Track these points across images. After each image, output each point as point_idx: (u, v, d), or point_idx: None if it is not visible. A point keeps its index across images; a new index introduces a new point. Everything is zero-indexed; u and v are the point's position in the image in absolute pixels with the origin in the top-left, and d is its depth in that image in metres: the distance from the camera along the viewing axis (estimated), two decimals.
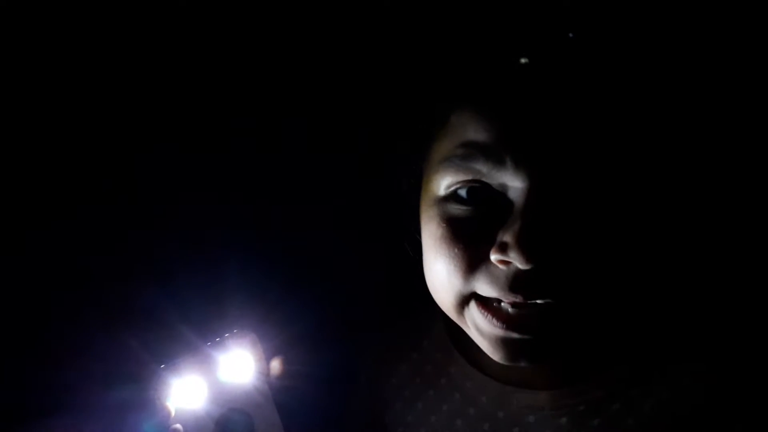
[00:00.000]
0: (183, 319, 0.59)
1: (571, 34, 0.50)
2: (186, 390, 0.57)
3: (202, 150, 0.68)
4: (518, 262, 0.47)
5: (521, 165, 0.48)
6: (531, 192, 0.48)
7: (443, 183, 0.53)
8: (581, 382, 0.59)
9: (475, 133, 0.50)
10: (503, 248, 0.48)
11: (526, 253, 0.47)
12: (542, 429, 0.59)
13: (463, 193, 0.52)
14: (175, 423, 0.55)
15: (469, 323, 0.55)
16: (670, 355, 0.58)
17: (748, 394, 0.54)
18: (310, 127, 0.71)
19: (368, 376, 0.72)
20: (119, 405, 0.52)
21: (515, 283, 0.49)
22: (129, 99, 0.68)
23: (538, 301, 0.50)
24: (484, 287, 0.51)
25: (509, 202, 0.50)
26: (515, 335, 0.51)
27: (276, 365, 0.63)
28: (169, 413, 0.54)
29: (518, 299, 0.50)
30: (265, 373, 0.62)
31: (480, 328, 0.53)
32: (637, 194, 0.51)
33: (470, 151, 0.50)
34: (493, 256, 0.49)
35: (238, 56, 0.70)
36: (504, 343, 0.52)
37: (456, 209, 0.52)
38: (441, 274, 0.53)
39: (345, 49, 0.70)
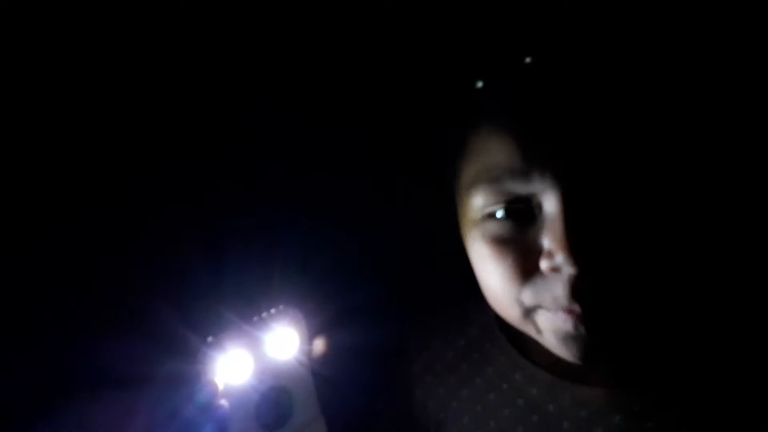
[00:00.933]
0: (230, 295, 0.59)
1: (528, 59, 0.51)
2: (232, 365, 0.57)
3: (260, 122, 0.66)
4: (567, 265, 0.48)
5: (548, 177, 0.49)
6: (564, 200, 0.49)
7: (477, 206, 0.54)
8: (639, 383, 0.58)
9: (498, 153, 0.51)
10: (551, 256, 0.49)
11: (572, 256, 0.48)
12: (594, 426, 0.58)
13: (499, 212, 0.53)
14: (221, 398, 0.55)
15: (541, 326, 0.55)
16: (723, 362, 0.57)
17: None
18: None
19: (412, 359, 0.71)
20: (168, 379, 0.52)
21: (573, 289, 0.50)
22: (144, 90, 0.66)
23: (600, 306, 0.50)
24: (547, 300, 0.52)
25: (546, 212, 0.51)
26: (585, 333, 0.51)
27: (319, 343, 0.63)
28: (216, 388, 0.54)
29: (577, 309, 0.50)
30: (308, 351, 0.62)
31: (553, 329, 0.53)
32: (663, 189, 0.51)
33: (496, 174, 0.52)
34: (543, 265, 0.50)
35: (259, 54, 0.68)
36: (576, 342, 0.52)
37: (496, 227, 0.53)
38: (498, 292, 0.55)
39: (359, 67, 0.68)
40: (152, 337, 0.54)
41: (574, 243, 0.48)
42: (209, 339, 0.56)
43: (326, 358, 0.63)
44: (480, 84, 0.53)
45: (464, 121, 0.54)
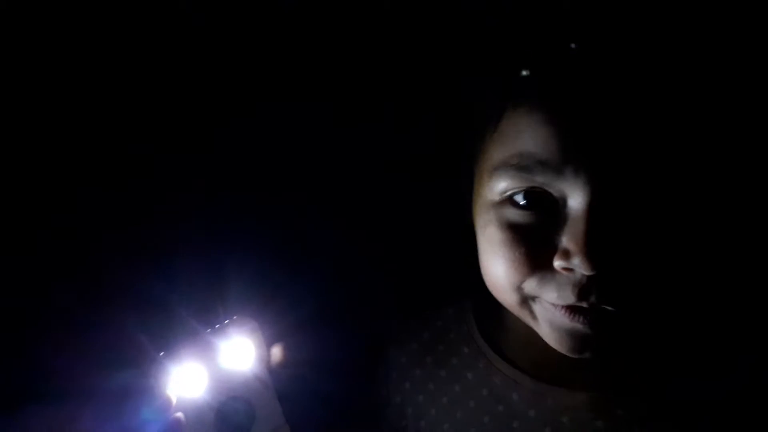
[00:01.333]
0: (183, 306, 0.58)
1: (573, 46, 0.49)
2: (186, 377, 0.57)
3: (204, 138, 0.67)
4: (583, 270, 0.47)
5: (581, 175, 0.47)
6: (592, 200, 0.47)
7: (498, 188, 0.52)
8: (623, 388, 0.57)
9: (531, 142, 0.49)
10: (566, 255, 0.48)
11: (590, 261, 0.47)
12: (577, 431, 0.57)
13: (519, 198, 0.51)
14: (176, 411, 0.54)
15: (537, 314, 0.54)
16: (715, 373, 0.57)
17: None
18: (331, 111, 0.70)
19: (389, 364, 0.70)
20: (118, 392, 0.51)
21: (582, 290, 0.49)
22: (135, 85, 0.67)
23: (605, 307, 0.50)
24: (551, 294, 0.51)
25: (569, 209, 0.49)
26: (583, 328, 0.51)
27: (276, 352, 0.62)
28: (169, 401, 0.53)
29: (585, 305, 0.49)
30: (266, 361, 0.62)
31: (549, 320, 0.53)
32: (694, 198, 0.50)
33: (526, 161, 0.49)
34: (557, 263, 0.49)
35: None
36: (572, 335, 0.52)
37: (513, 214, 0.52)
38: (501, 278, 0.53)
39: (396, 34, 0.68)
40: (104, 349, 0.53)
41: (595, 248, 0.47)
42: (161, 353, 0.56)
43: (283, 367, 0.62)
44: (525, 72, 0.51)
45: (502, 102, 0.52)
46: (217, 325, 0.60)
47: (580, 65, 0.48)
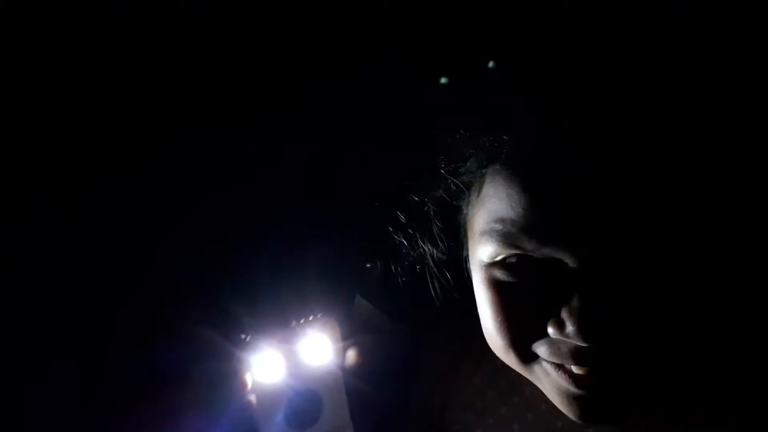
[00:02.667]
0: (266, 301, 0.63)
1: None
2: (264, 365, 0.61)
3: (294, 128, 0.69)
4: (578, 342, 0.46)
5: (569, 244, 0.45)
6: (585, 270, 0.45)
7: (487, 253, 0.50)
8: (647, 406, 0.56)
9: (510, 208, 0.47)
10: (561, 326, 0.47)
11: (585, 335, 0.45)
12: None
13: (511, 260, 0.49)
14: (251, 394, 0.59)
15: (540, 376, 0.53)
16: (720, 400, 0.54)
17: None
18: None
19: (442, 379, 0.72)
20: (205, 377, 0.56)
21: (579, 355, 0.47)
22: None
23: (604, 370, 0.48)
24: (547, 355, 0.50)
25: (562, 275, 0.47)
26: (586, 394, 0.49)
27: (351, 353, 0.65)
28: (245, 384, 0.58)
29: (583, 372, 0.48)
30: (341, 359, 0.65)
31: (553, 384, 0.52)
32: (691, 252, 0.47)
33: (509, 228, 0.47)
34: (551, 331, 0.48)
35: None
36: (576, 401, 0.51)
37: (504, 276, 0.50)
38: (494, 338, 0.53)
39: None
40: (190, 339, 0.58)
41: (590, 320, 0.45)
42: (244, 336, 0.61)
43: (358, 367, 0.65)
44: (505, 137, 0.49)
45: (482, 167, 0.51)
46: (301, 320, 0.64)
47: (557, 135, 0.46)
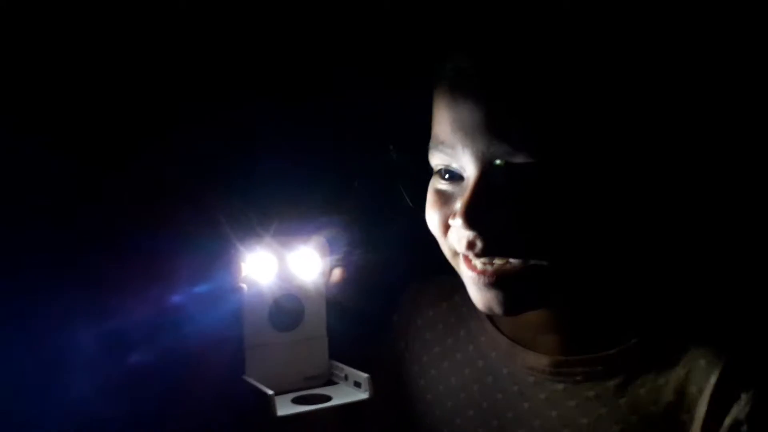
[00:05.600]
0: (274, 207, 0.70)
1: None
2: (258, 265, 0.68)
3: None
4: (461, 228, 0.57)
5: (467, 153, 0.58)
6: (476, 174, 0.58)
7: (432, 163, 0.64)
8: (585, 355, 0.64)
9: (438, 126, 0.61)
10: (455, 215, 0.59)
11: (466, 223, 0.57)
12: (539, 391, 0.65)
13: (442, 171, 0.63)
14: (243, 282, 0.65)
15: (462, 271, 0.63)
16: (675, 342, 0.62)
17: (754, 390, 0.57)
18: None
19: (400, 313, 0.81)
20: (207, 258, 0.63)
21: (469, 242, 0.58)
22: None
23: (497, 261, 0.59)
24: (455, 244, 0.61)
25: (465, 181, 0.59)
26: (489, 286, 0.59)
27: (336, 272, 0.72)
28: (240, 269, 0.65)
29: (470, 255, 0.59)
30: (326, 276, 0.72)
31: (470, 278, 0.61)
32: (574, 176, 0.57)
33: (435, 142, 0.62)
34: (451, 222, 0.61)
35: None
36: (481, 292, 0.60)
37: (438, 183, 0.64)
38: (433, 233, 0.65)
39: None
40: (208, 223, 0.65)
41: (471, 210, 0.57)
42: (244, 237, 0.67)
43: (340, 287, 0.72)
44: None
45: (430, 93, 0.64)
46: (298, 233, 0.71)
47: (472, 66, 0.58)
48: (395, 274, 0.81)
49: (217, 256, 0.63)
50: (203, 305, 0.61)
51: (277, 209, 0.70)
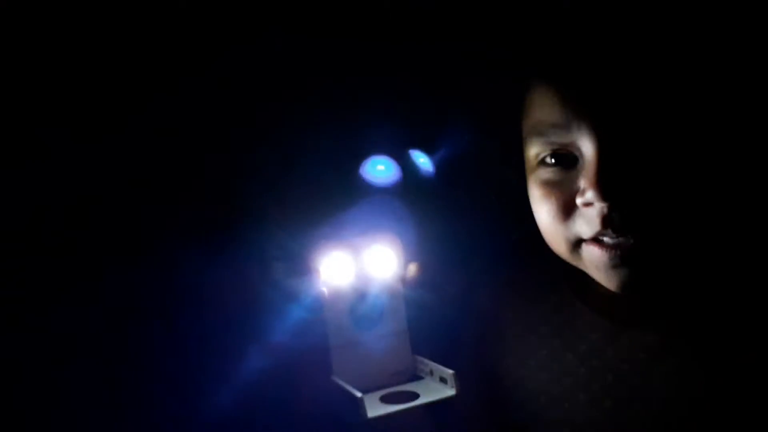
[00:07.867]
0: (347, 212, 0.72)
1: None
2: (337, 266, 0.69)
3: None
4: (595, 200, 0.57)
5: (584, 128, 0.59)
6: (599, 147, 0.58)
7: (532, 154, 0.65)
8: (686, 329, 0.65)
9: (546, 111, 0.62)
10: (584, 193, 0.58)
11: (600, 192, 0.57)
12: (654, 367, 0.65)
13: (548, 159, 0.63)
14: (323, 287, 0.67)
15: (585, 260, 0.63)
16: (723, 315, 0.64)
17: None
18: None
19: (488, 303, 0.80)
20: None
21: (604, 218, 0.58)
22: None
23: (632, 238, 0.58)
24: (584, 228, 0.61)
25: (584, 158, 0.60)
26: (622, 263, 0.60)
27: (412, 269, 0.73)
28: (318, 275, 0.67)
29: (609, 234, 0.59)
30: (403, 274, 0.72)
31: (595, 262, 0.62)
32: (691, 146, 0.59)
33: (544, 128, 0.62)
34: (578, 200, 0.60)
35: None
36: (615, 271, 0.61)
37: (545, 173, 0.64)
38: (547, 229, 0.65)
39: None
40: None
41: (603, 180, 0.57)
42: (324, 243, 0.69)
43: (418, 283, 0.73)
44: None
45: (522, 87, 0.65)
46: (372, 235, 0.72)
47: (576, 56, 0.60)
48: (475, 268, 0.81)
49: (295, 266, 0.65)
50: (288, 314, 0.63)
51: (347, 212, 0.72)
